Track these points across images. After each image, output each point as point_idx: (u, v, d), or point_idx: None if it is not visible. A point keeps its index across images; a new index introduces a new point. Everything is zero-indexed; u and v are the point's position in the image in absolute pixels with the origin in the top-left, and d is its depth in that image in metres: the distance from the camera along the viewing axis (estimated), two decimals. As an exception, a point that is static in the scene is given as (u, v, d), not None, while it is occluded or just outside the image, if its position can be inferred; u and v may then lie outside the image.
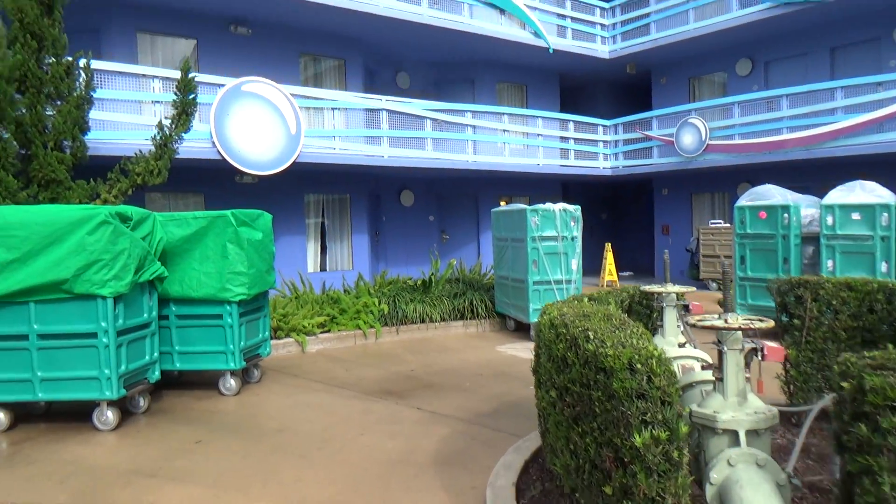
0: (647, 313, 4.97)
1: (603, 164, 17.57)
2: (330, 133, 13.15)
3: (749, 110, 14.72)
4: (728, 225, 15.20)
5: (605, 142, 17.63)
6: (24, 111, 7.59)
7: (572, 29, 17.22)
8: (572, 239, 9.45)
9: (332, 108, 13.31)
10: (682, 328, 4.49)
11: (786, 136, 13.71)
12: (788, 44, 15.48)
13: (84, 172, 8.67)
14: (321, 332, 9.46)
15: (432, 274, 11.08)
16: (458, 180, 17.53)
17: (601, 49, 17.74)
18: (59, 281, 5.54)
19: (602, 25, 17.86)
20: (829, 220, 8.90)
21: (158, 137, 8.80)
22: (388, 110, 13.88)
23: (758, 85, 16.01)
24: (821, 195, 9.79)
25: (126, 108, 10.96)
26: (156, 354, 6.31)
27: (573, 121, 17.05)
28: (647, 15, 16.96)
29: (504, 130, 15.87)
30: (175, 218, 6.84)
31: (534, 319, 9.34)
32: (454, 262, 11.40)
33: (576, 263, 9.49)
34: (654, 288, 4.53)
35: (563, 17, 17.13)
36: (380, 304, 10.18)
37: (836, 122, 12.88)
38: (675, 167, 16.01)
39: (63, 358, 5.62)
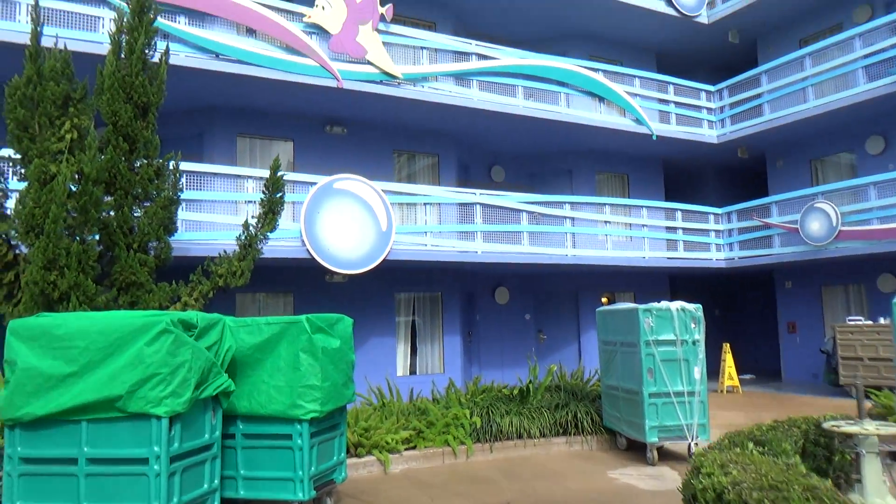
0: (825, 455, 3.72)
1: (716, 256, 16.07)
2: (422, 229, 12.66)
3: (887, 192, 13.04)
4: (870, 322, 13.21)
5: (716, 231, 16.21)
6: (110, 213, 7.46)
7: (676, 114, 16.32)
8: (693, 343, 8.17)
9: (425, 204, 12.88)
10: (888, 483, 3.22)
11: (939, 220, 11.90)
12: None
13: (169, 274, 8.43)
14: (406, 449, 8.47)
15: (530, 382, 9.97)
16: (556, 276, 16.53)
17: (708, 133, 16.66)
18: (113, 398, 4.97)
19: (708, 109, 16.85)
20: None
21: (244, 237, 8.50)
22: (481, 204, 13.30)
23: (893, 164, 14.31)
24: None
25: (222, 208, 10.95)
26: (216, 482, 5.56)
27: (681, 210, 15.84)
28: (759, 96, 15.83)
29: (605, 222, 14.88)
30: (247, 324, 6.26)
31: (652, 439, 7.99)
32: (554, 367, 10.27)
33: (699, 372, 8.14)
34: (846, 427, 3.33)
35: (665, 101, 16.31)
36: (472, 416, 9.12)
37: None
38: (800, 257, 14.32)
39: (111, 487, 4.95)
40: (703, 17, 17.12)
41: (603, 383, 9.28)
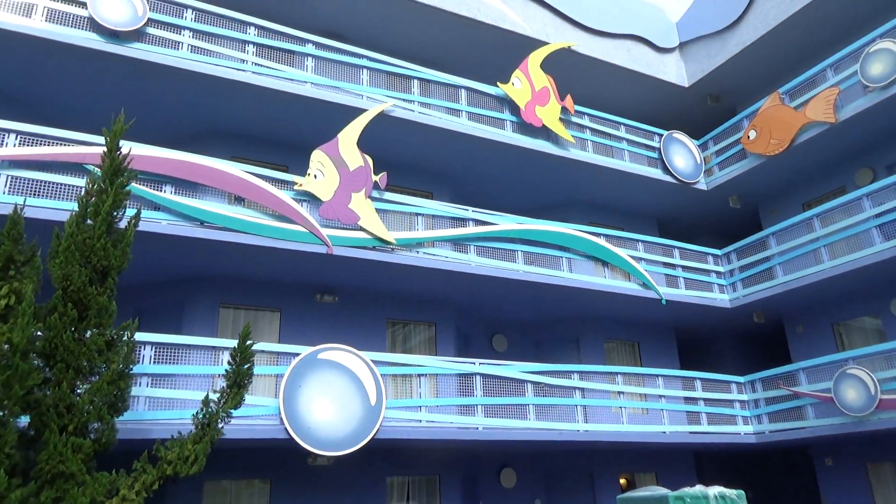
0: None
1: (744, 430, 14.55)
2: (416, 403, 11.49)
3: (926, 356, 11.93)
4: (936, 507, 11.45)
5: (741, 402, 14.83)
6: (43, 390, 6.47)
7: (684, 278, 15.66)
8: (737, 535, 6.70)
9: (419, 375, 11.80)
10: None
11: None
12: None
13: (120, 461, 7.24)
14: None
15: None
16: (568, 454, 14.92)
17: (720, 298, 15.88)
18: None
19: (717, 273, 16.22)
20: None
21: (201, 416, 7.39)
22: (482, 374, 12.23)
23: (925, 327, 13.32)
24: None
25: (195, 384, 9.92)
26: None
27: (700, 378, 14.61)
28: (769, 259, 15.23)
29: (619, 393, 13.62)
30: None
31: None
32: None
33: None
34: None
35: (672, 266, 15.72)
36: None
37: None
38: (839, 430, 12.83)
39: None
40: (702, 184, 17.12)
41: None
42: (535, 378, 12.66)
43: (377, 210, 12.16)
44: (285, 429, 9.93)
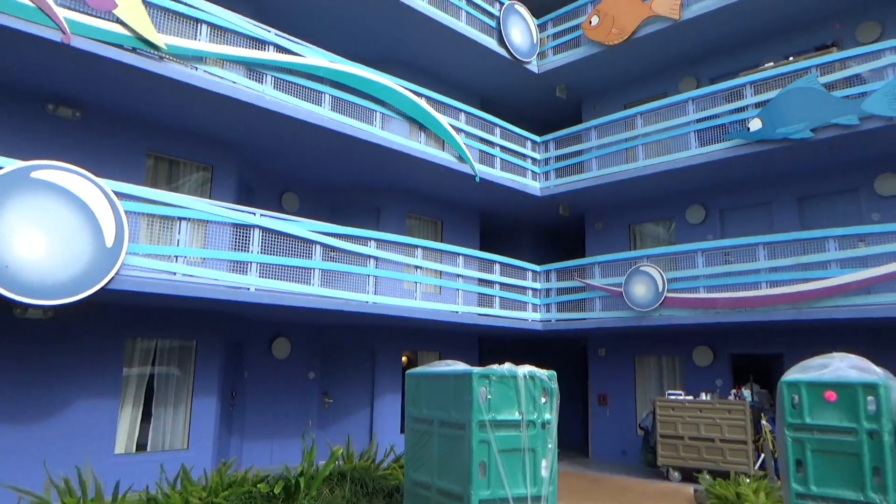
0: None
1: (532, 317, 14.34)
2: (171, 252, 9.15)
3: (713, 261, 12.19)
4: (692, 398, 12.04)
5: (534, 290, 14.55)
6: None
7: (500, 159, 14.66)
8: (543, 426, 5.72)
9: (180, 219, 9.40)
10: None
11: (769, 290, 11.07)
12: (749, 191, 13.47)
13: None
14: None
15: (301, 472, 6.81)
16: (350, 328, 13.66)
17: (532, 185, 15.20)
18: None
19: (533, 160, 15.48)
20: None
21: None
22: (262, 228, 10.16)
23: (712, 235, 13.74)
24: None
25: None
26: None
27: (499, 263, 13.95)
28: (586, 152, 14.73)
29: (416, 267, 12.43)
30: None
31: (478, 572, 5.27)
32: (339, 450, 7.26)
33: (548, 466, 5.68)
34: None
35: (491, 144, 14.58)
36: (204, 531, 5.77)
37: (835, 277, 10.40)
38: (623, 323, 13.00)
39: None
40: (534, 66, 16.03)
41: (408, 476, 6.46)
42: (325, 240, 10.91)
43: (148, 4, 9.14)
44: (-25, 263, 7.17)
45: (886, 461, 5.68)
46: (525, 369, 5.72)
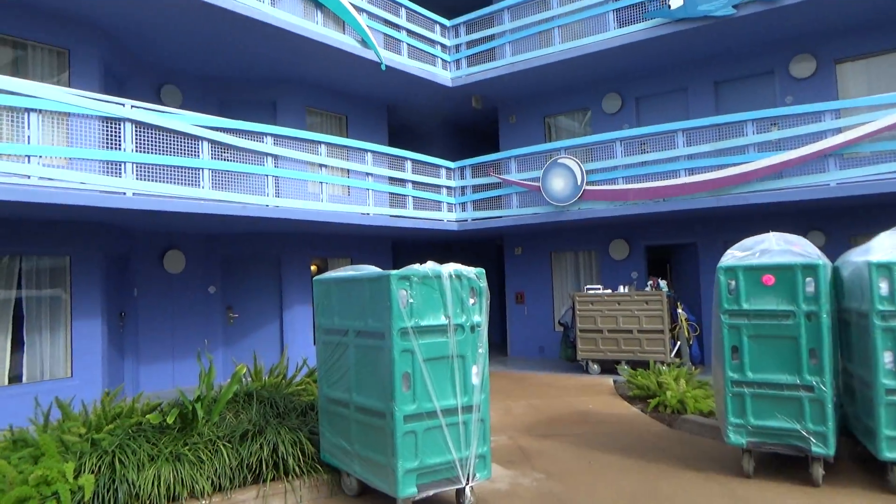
0: None
1: (447, 217, 13.67)
2: (22, 150, 7.65)
3: (632, 150, 11.78)
4: (610, 291, 11.93)
5: (449, 188, 13.81)
6: None
7: (407, 45, 13.42)
8: (473, 329, 5.09)
9: (27, 109, 7.83)
10: None
11: (688, 178, 10.81)
12: (666, 77, 13.01)
13: None
14: None
15: (199, 397, 5.96)
16: (252, 236, 12.53)
17: (442, 74, 14.11)
18: None
19: (443, 47, 14.31)
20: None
21: None
22: (134, 121, 8.71)
23: (628, 125, 13.31)
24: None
25: None
26: None
27: (411, 160, 13.02)
28: (498, 36, 13.71)
29: (321, 165, 11.33)
30: None
31: (408, 492, 4.72)
32: (243, 369, 6.45)
33: (479, 373, 5.10)
34: None
35: (396, 27, 13.28)
36: (80, 472, 4.89)
37: (753, 162, 10.21)
38: (541, 219, 12.55)
39: None
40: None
41: (322, 393, 5.76)
42: (214, 136, 9.59)
43: None
44: None
45: (824, 342, 5.48)
46: (450, 268, 5.01)
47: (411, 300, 4.80)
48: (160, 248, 11.69)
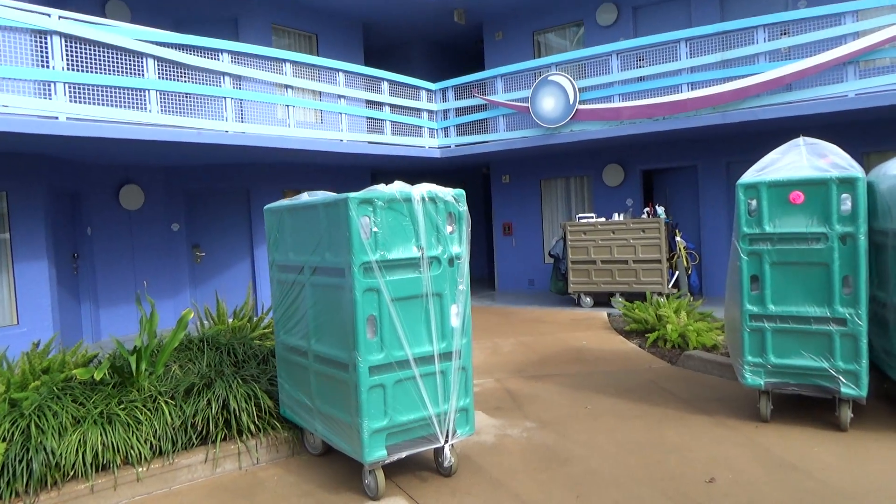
0: None
1: (430, 143, 12.68)
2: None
3: (629, 64, 10.75)
4: (604, 220, 11.13)
5: (430, 112, 12.76)
6: None
7: (379, -50, 12.10)
8: (451, 262, 4.26)
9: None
10: None
11: (690, 94, 9.84)
12: (663, -18, 11.84)
13: None
14: None
15: (137, 347, 5.14)
16: (216, 167, 11.54)
17: (419, -16, 12.84)
18: None
19: (419, -48, 12.99)
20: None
21: None
22: (65, 35, 7.60)
23: (625, 37, 12.19)
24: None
25: None
26: None
27: (388, 81, 11.92)
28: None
29: (287, 86, 10.24)
30: None
31: (375, 455, 3.99)
32: (190, 313, 5.62)
33: (459, 313, 4.31)
34: None
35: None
36: (-10, 441, 4.14)
37: (764, 73, 9.23)
38: (530, 143, 11.59)
39: None
40: None
41: (279, 340, 4.98)
42: (161, 52, 8.48)
43: None
44: None
45: (860, 269, 4.72)
46: (423, 189, 4.14)
47: (375, 229, 3.95)
48: (115, 182, 10.69)
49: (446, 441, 4.26)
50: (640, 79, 10.50)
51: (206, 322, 7.81)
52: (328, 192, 4.59)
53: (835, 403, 5.02)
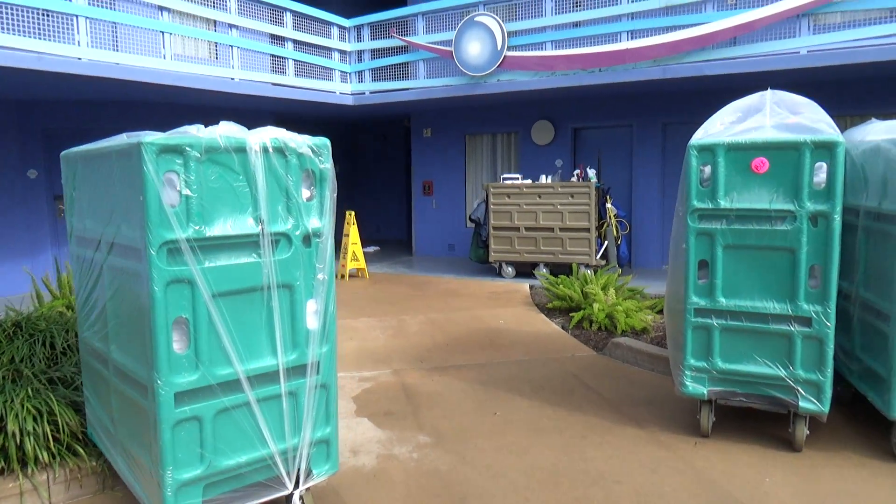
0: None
1: (341, 88, 11.23)
2: None
3: (563, 10, 9.59)
4: (530, 182, 10.09)
5: (342, 52, 11.27)
6: None
7: None
8: (307, 240, 3.03)
9: None
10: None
11: (630, 43, 8.79)
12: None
13: None
14: None
15: None
16: (82, 104, 9.77)
17: None
18: None
19: None
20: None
21: None
22: None
23: (560, -21, 10.98)
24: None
25: None
26: None
27: (291, 11, 10.34)
28: None
29: (161, 9, 8.55)
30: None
31: (185, 516, 2.78)
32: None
33: (318, 311, 3.10)
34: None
35: None
36: None
37: (713, 22, 8.25)
38: (453, 92, 10.35)
39: None
40: None
41: (82, 338, 3.67)
42: (-11, -48, 6.70)
43: None
44: None
45: (832, 258, 3.79)
46: (265, 135, 2.88)
47: (188, 192, 2.68)
48: (-51, 116, 8.82)
49: (296, 486, 3.11)
50: (577, 24, 9.38)
51: (46, 295, 6.39)
52: (150, 133, 3.23)
53: (788, 417, 4.17)
